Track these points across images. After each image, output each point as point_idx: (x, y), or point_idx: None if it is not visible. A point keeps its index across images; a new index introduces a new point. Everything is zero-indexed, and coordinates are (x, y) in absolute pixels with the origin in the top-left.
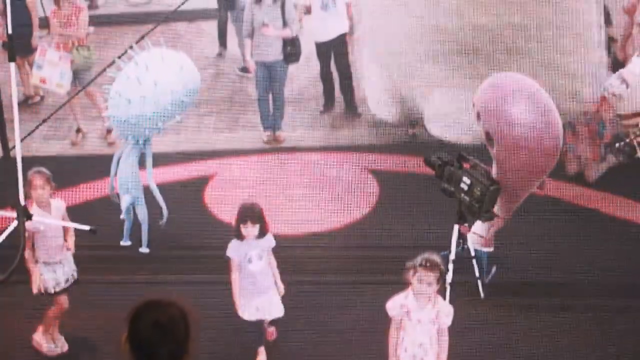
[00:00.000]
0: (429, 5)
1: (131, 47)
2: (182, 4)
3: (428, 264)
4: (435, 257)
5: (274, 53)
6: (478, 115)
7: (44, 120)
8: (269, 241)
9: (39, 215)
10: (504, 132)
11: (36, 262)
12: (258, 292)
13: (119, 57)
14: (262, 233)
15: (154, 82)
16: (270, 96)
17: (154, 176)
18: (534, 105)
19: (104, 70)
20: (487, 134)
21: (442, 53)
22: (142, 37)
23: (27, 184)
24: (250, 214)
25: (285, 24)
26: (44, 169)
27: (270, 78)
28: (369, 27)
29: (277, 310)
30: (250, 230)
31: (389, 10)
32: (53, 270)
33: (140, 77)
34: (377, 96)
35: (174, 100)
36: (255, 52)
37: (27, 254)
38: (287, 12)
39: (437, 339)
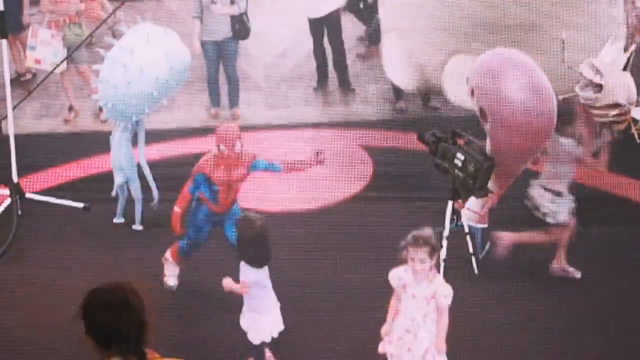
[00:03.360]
0: None
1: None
2: None
3: (419, 241)
4: (425, 233)
5: (224, 31)
6: (472, 92)
7: (30, 93)
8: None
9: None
10: (498, 108)
11: None
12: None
13: (100, 24)
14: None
15: (139, 69)
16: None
17: (148, 154)
18: (527, 82)
19: (84, 42)
20: (481, 110)
21: (459, 24)
22: (114, 12)
23: None
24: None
25: (232, 1)
26: None
27: (222, 56)
28: None
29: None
30: None
31: None
32: None
33: (125, 62)
34: (395, 64)
35: (159, 85)
36: (205, 32)
37: None
38: None
39: (436, 319)
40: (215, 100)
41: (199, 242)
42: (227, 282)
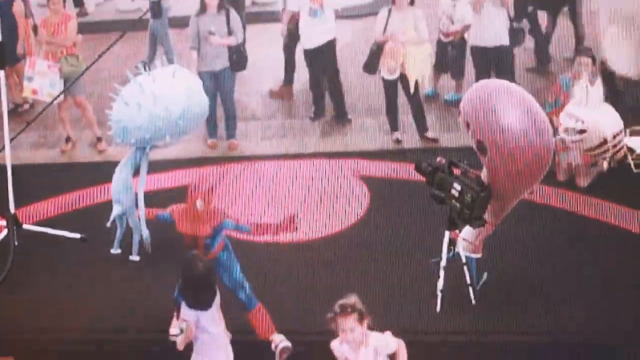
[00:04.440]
0: None
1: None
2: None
3: (347, 309)
4: (351, 300)
5: (221, 62)
6: (467, 125)
7: (28, 124)
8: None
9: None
10: (497, 140)
11: None
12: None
13: (99, 57)
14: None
15: (154, 94)
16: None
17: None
18: (524, 112)
19: (82, 73)
20: (479, 143)
21: None
22: (121, 36)
23: None
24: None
25: (230, 32)
26: None
27: (219, 87)
28: None
29: None
30: None
31: None
32: None
33: (144, 85)
34: (619, 55)
35: (167, 118)
36: (202, 63)
37: None
38: (231, 20)
39: None
40: (212, 132)
41: None
42: (172, 330)
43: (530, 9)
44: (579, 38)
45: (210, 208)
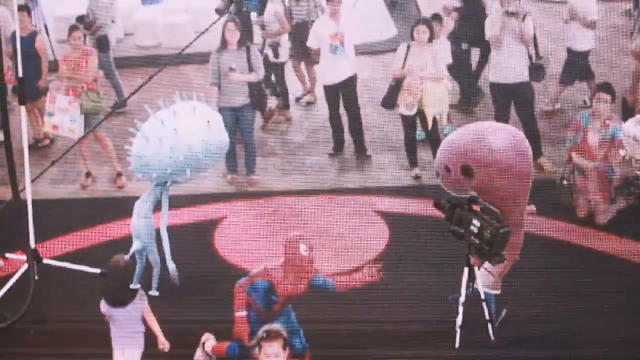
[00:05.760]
0: None
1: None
2: (187, 46)
3: (271, 334)
4: (275, 327)
5: (242, 98)
6: (447, 168)
7: (53, 163)
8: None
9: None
10: (484, 159)
11: None
12: None
13: (127, 98)
14: None
15: (175, 129)
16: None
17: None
18: (509, 135)
19: (111, 113)
20: (466, 168)
21: None
22: (150, 79)
23: None
24: None
25: (250, 68)
26: None
27: (238, 123)
28: None
29: None
30: None
31: None
32: None
33: (165, 120)
34: None
35: (188, 153)
36: (222, 99)
37: None
38: (252, 57)
39: None
40: (231, 167)
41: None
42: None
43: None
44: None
45: (312, 255)
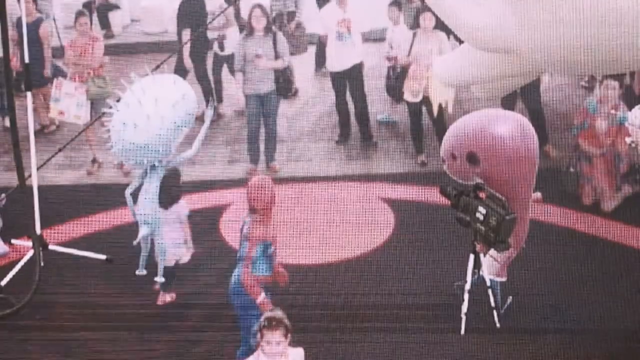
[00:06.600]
0: None
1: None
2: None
3: (273, 323)
4: (278, 314)
5: (267, 85)
6: (452, 155)
7: (60, 150)
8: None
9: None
10: (490, 146)
11: None
12: None
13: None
14: None
15: (155, 99)
16: (263, 129)
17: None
18: (514, 122)
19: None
20: (471, 155)
21: None
22: (158, 66)
23: None
24: None
25: (277, 55)
26: None
27: (263, 110)
28: None
29: None
30: None
31: None
32: None
33: (140, 100)
34: None
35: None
36: (248, 85)
37: None
38: (278, 44)
39: None
40: (254, 157)
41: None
42: None
43: None
44: None
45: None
